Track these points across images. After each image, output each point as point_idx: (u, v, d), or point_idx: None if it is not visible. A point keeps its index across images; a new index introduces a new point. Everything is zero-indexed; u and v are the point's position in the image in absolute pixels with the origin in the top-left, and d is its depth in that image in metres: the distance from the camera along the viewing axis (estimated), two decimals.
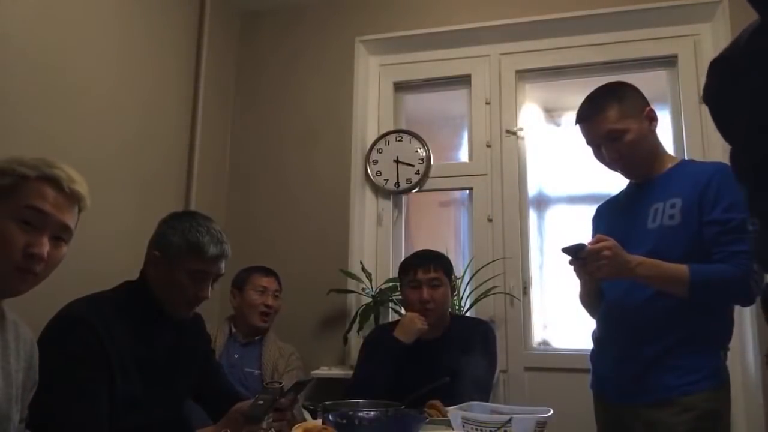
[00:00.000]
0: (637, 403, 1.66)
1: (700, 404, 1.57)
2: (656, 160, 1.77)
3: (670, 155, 1.82)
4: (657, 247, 1.64)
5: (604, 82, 1.84)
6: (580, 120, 1.80)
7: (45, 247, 1.17)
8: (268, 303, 2.55)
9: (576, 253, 1.63)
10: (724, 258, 1.55)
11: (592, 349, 1.87)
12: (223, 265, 1.65)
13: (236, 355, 2.50)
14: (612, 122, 1.71)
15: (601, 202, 2.00)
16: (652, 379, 1.63)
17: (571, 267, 1.69)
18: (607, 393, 1.78)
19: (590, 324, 1.92)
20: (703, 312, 1.61)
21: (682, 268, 1.56)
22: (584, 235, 2.02)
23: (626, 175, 1.83)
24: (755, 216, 0.59)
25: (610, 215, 1.91)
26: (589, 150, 1.82)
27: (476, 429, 1.43)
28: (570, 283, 1.86)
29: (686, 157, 2.70)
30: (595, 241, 1.61)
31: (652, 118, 1.75)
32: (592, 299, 1.85)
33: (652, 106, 1.76)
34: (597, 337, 1.86)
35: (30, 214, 1.17)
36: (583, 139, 1.81)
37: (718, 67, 0.62)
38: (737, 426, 1.72)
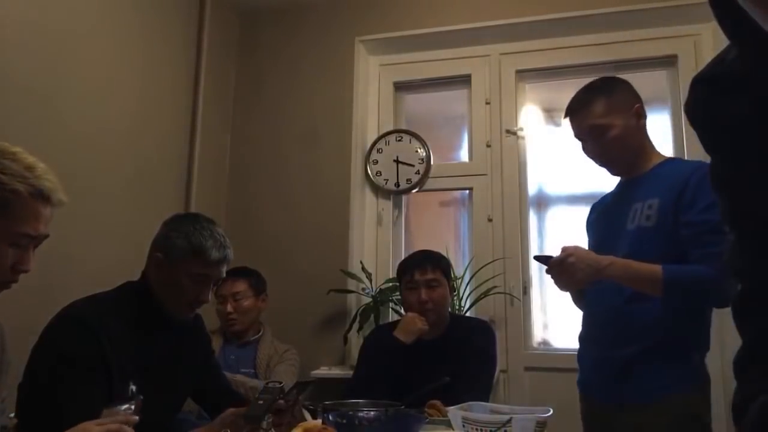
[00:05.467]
0: (618, 403, 1.67)
1: (680, 405, 1.59)
2: (642, 158, 1.75)
3: (658, 153, 1.79)
4: (634, 248, 1.64)
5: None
6: (567, 114, 1.79)
7: (32, 261, 1.23)
8: (226, 311, 2.51)
9: (547, 262, 1.66)
10: (700, 259, 1.53)
11: (578, 350, 1.88)
12: (224, 269, 1.65)
13: (232, 357, 2.50)
14: (597, 117, 1.70)
15: (595, 201, 1.99)
16: (631, 380, 1.64)
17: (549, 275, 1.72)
18: (590, 392, 1.80)
19: None
20: (682, 314, 1.62)
21: (656, 268, 1.56)
22: (581, 234, 2.03)
23: (610, 172, 1.82)
24: (731, 228, 0.61)
25: (598, 216, 1.91)
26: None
27: (476, 429, 1.44)
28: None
29: (686, 157, 2.70)
30: (561, 252, 1.63)
31: (641, 115, 1.73)
32: (580, 300, 1.87)
33: (642, 103, 1.75)
34: (581, 337, 1.87)
35: (24, 240, 1.20)
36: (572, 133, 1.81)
37: (701, 83, 0.63)
38: (719, 427, 1.74)
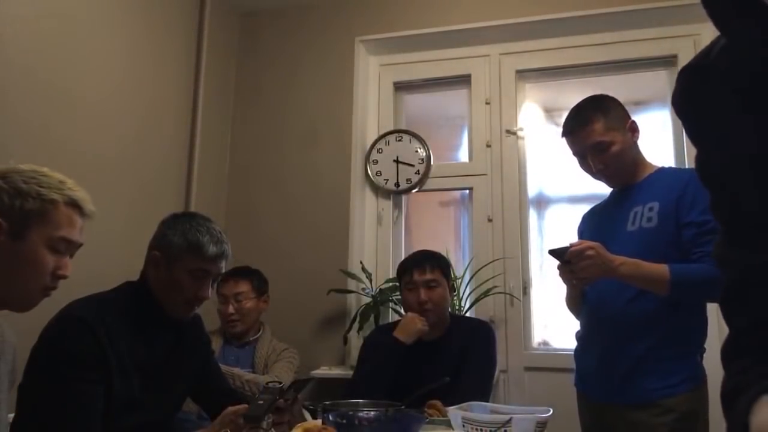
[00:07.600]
0: (620, 403, 1.71)
1: (680, 406, 1.63)
2: (638, 168, 1.83)
3: (650, 163, 1.87)
4: (637, 248, 1.69)
5: (588, 95, 1.91)
6: (567, 133, 1.87)
7: (70, 267, 1.29)
8: (228, 312, 2.49)
9: (562, 255, 1.68)
10: (702, 258, 1.60)
11: (576, 348, 1.92)
12: (223, 264, 1.65)
13: (232, 357, 2.49)
14: (599, 134, 1.78)
15: (586, 211, 2.05)
16: (634, 380, 1.69)
17: (558, 271, 1.75)
18: (590, 392, 1.84)
19: None
20: (681, 312, 1.67)
21: (663, 268, 1.61)
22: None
23: (610, 184, 1.89)
24: (718, 219, 0.61)
25: (593, 221, 1.97)
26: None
27: (476, 429, 1.44)
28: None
29: (686, 156, 2.72)
30: (577, 244, 1.67)
31: (634, 130, 1.82)
32: (577, 302, 1.90)
33: (633, 119, 1.83)
34: (580, 336, 1.91)
35: (62, 245, 1.27)
36: (569, 150, 1.88)
37: (687, 74, 0.64)
38: (718, 425, 1.76)
